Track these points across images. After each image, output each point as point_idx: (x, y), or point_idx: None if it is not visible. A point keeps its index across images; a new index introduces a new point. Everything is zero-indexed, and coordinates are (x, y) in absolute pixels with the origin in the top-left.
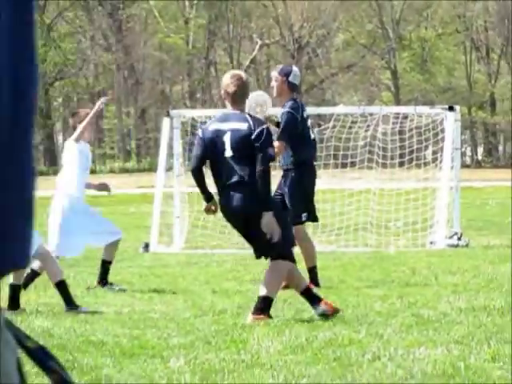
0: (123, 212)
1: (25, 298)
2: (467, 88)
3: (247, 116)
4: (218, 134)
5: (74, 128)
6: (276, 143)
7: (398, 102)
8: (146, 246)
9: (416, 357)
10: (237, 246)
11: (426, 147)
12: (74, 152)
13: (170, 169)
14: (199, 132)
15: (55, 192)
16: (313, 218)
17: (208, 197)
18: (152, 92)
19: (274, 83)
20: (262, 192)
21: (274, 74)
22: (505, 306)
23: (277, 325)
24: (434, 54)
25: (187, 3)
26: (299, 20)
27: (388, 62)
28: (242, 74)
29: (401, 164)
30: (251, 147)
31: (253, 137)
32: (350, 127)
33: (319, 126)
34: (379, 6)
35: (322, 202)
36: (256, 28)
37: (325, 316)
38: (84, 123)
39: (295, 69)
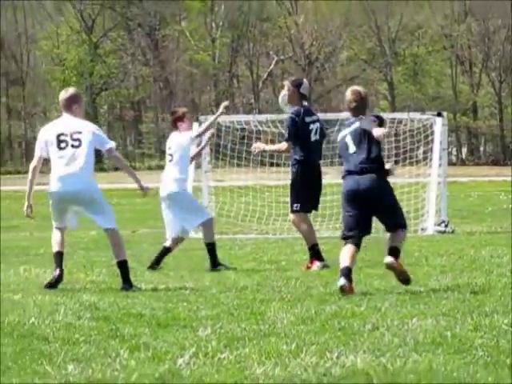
0: (159, 203)
1: (75, 276)
2: (453, 97)
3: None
4: (343, 139)
5: (174, 124)
6: (283, 143)
7: (393, 109)
8: None
9: (409, 327)
10: (256, 232)
11: (418, 147)
12: (186, 145)
13: (198, 166)
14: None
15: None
16: (311, 208)
17: None
18: (183, 100)
19: (286, 92)
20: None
21: (287, 83)
22: (485, 283)
23: (290, 299)
24: (425, 68)
25: (213, 25)
26: (309, 39)
27: (385, 75)
28: (361, 89)
29: (396, 162)
30: (367, 136)
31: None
32: None
33: (326, 129)
34: (377, 27)
35: (331, 195)
36: (272, 46)
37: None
38: (207, 124)
39: (305, 81)
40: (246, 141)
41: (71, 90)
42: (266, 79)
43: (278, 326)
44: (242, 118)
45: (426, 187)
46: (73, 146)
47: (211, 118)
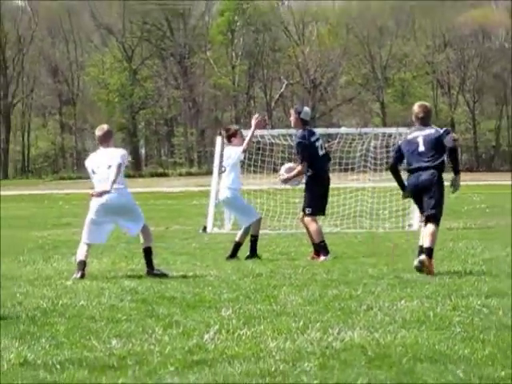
0: (188, 204)
1: (118, 265)
2: (434, 114)
3: (433, 126)
4: (414, 139)
5: (228, 139)
6: (300, 166)
7: (384, 125)
8: (204, 228)
9: (398, 307)
10: (269, 228)
11: None
12: (237, 157)
13: (221, 172)
14: (399, 141)
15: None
16: (321, 212)
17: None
18: (208, 118)
19: (291, 117)
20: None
21: (292, 111)
22: (461, 270)
23: (298, 285)
24: (411, 91)
25: (233, 54)
26: (314, 66)
27: (377, 96)
28: (426, 103)
29: (387, 169)
30: (438, 143)
31: (441, 135)
32: (351, 143)
33: (328, 142)
34: (371, 56)
35: (331, 197)
36: (283, 72)
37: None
38: (248, 139)
39: (306, 108)
40: (260, 151)
41: (105, 128)
42: (277, 100)
43: (288, 306)
44: (258, 132)
45: None
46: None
47: (249, 132)
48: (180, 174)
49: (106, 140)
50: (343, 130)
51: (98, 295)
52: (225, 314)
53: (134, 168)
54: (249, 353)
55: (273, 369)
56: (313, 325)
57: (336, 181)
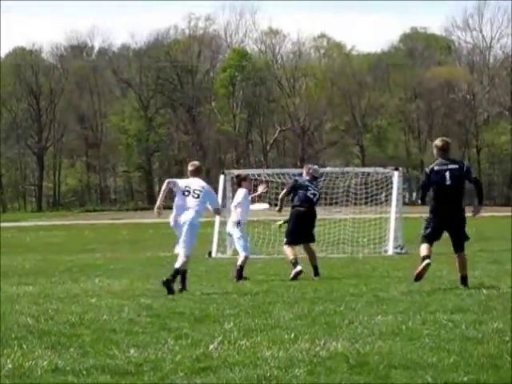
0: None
1: (135, 285)
2: (406, 156)
3: (456, 160)
4: (441, 172)
5: (239, 183)
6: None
7: (363, 165)
8: (210, 254)
9: (375, 321)
10: (265, 253)
11: (381, 192)
12: (242, 198)
13: (224, 206)
14: (427, 171)
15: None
16: (309, 239)
17: None
18: (213, 159)
19: (304, 173)
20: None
21: (305, 168)
22: (430, 290)
23: (290, 302)
24: (386, 135)
25: (234, 105)
26: (303, 114)
27: (357, 140)
28: (446, 139)
29: (366, 203)
30: (463, 177)
31: (464, 172)
32: (334, 180)
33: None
34: (352, 106)
35: (318, 226)
36: (276, 119)
37: None
38: (256, 194)
39: (315, 167)
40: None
41: (196, 164)
42: (272, 143)
43: (281, 320)
44: (255, 171)
45: (387, 221)
46: (193, 196)
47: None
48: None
49: (194, 174)
50: (328, 169)
51: (119, 311)
52: (227, 327)
53: (149, 202)
54: (247, 360)
55: (268, 374)
56: (302, 336)
57: (322, 212)
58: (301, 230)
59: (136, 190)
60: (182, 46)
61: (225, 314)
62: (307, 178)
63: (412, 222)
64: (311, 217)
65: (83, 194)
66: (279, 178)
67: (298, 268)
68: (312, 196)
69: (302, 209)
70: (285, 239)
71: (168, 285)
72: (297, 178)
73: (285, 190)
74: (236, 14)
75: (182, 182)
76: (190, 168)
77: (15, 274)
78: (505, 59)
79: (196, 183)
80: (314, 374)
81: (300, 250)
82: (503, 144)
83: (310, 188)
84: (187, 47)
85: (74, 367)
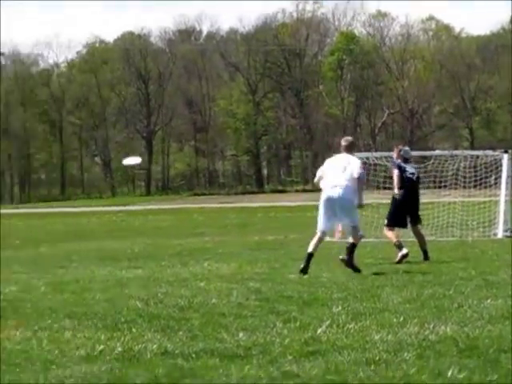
0: (303, 216)
1: (243, 268)
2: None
3: None
4: None
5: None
6: (395, 189)
7: (472, 148)
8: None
9: (485, 305)
10: (373, 237)
11: (490, 175)
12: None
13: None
14: None
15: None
16: (412, 222)
17: None
18: (321, 143)
19: (395, 155)
20: None
21: (396, 150)
22: None
23: (398, 285)
24: (495, 118)
25: (342, 88)
26: (411, 97)
27: (467, 123)
28: None
29: (475, 186)
30: None
31: None
32: (443, 163)
33: (423, 162)
34: (461, 88)
35: (426, 210)
36: (385, 103)
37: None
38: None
39: (406, 148)
40: (365, 171)
41: (350, 139)
42: (380, 127)
43: (390, 304)
44: (363, 154)
45: (496, 204)
46: (342, 171)
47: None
48: (296, 191)
49: (348, 149)
50: (437, 152)
51: (228, 295)
52: (335, 311)
53: (258, 185)
54: (356, 344)
55: (377, 358)
56: (411, 320)
57: (431, 196)
58: (401, 213)
59: (244, 173)
60: (289, 29)
61: (333, 298)
62: (398, 160)
63: None
64: (412, 198)
65: (191, 178)
66: (387, 162)
67: (404, 251)
68: (411, 176)
69: (401, 190)
70: (385, 221)
71: (351, 265)
72: (394, 161)
73: (396, 181)
74: None
75: (332, 161)
76: (343, 143)
77: (125, 258)
78: None
79: (347, 159)
80: (423, 357)
81: (409, 232)
82: None
83: (406, 169)
84: (295, 31)
85: (183, 351)
